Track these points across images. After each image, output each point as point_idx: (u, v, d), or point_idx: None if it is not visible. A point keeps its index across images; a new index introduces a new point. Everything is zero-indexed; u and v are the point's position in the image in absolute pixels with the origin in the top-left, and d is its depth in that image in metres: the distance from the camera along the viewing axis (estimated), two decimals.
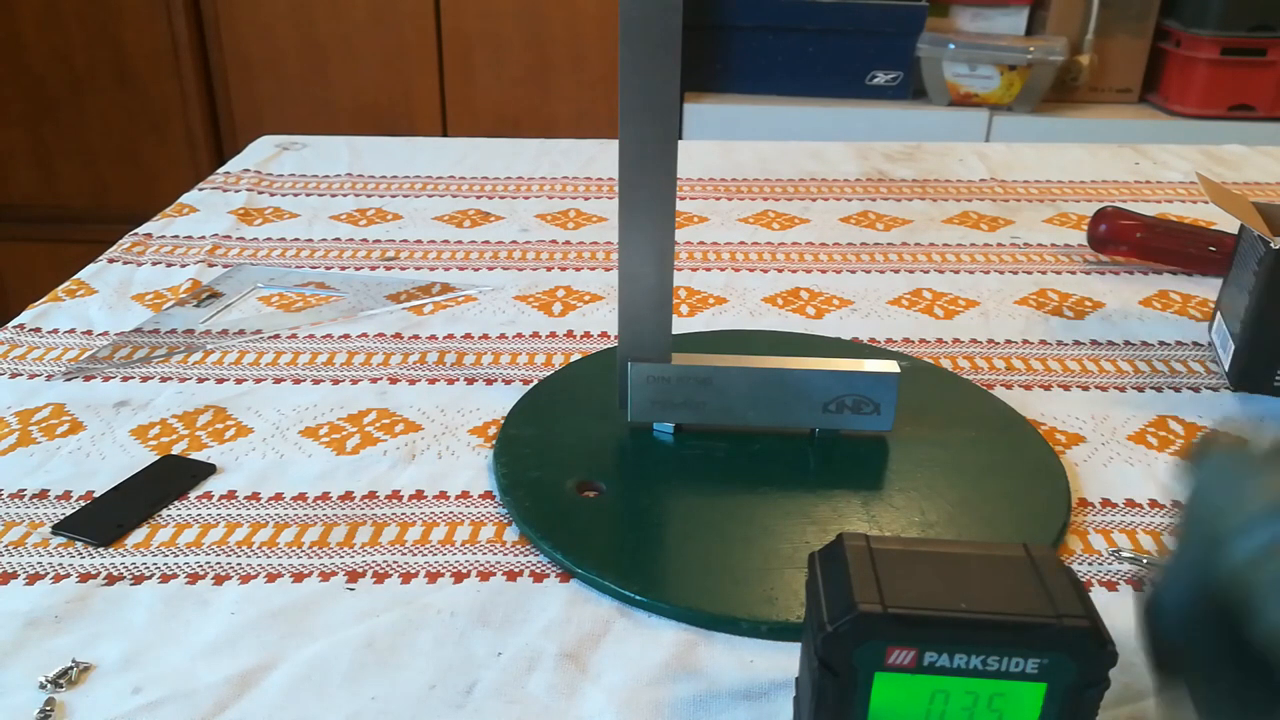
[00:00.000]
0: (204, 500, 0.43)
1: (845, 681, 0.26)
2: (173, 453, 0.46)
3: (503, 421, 0.48)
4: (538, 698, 0.33)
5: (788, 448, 0.46)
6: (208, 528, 0.41)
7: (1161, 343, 0.59)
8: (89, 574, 0.38)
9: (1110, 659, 0.25)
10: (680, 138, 0.62)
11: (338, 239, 0.72)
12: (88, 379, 0.52)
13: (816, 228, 0.76)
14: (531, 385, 0.52)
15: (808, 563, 0.28)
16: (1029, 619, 0.25)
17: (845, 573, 0.26)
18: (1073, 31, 1.76)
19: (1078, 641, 0.25)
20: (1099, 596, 0.38)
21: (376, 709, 0.32)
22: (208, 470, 0.44)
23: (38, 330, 0.57)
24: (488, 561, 0.39)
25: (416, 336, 0.57)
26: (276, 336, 0.57)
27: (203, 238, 0.71)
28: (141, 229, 0.72)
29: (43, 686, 0.33)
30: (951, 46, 1.70)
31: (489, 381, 0.53)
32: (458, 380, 0.53)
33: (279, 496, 0.43)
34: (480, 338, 0.57)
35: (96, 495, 0.43)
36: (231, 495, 0.43)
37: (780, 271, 0.68)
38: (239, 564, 0.39)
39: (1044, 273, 0.68)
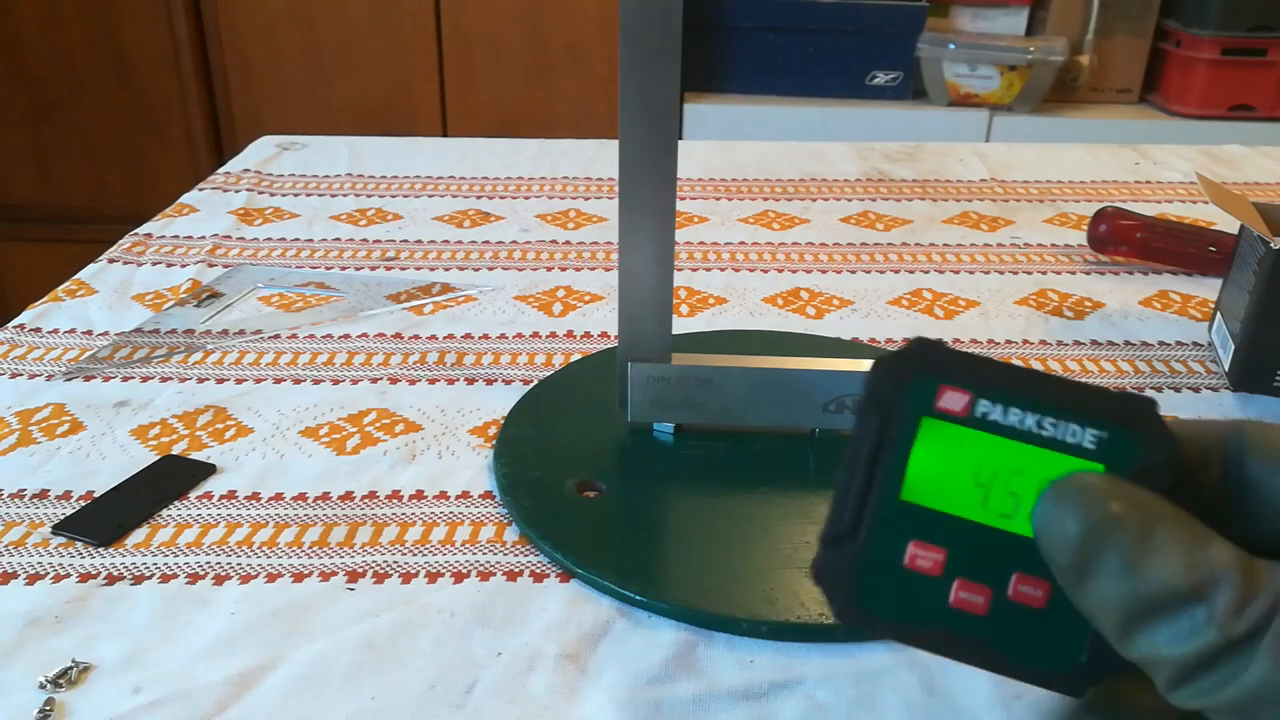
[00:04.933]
0: (204, 500, 0.43)
1: (890, 422, 0.23)
2: (173, 453, 0.46)
3: (503, 421, 0.48)
4: (537, 698, 0.33)
5: (788, 448, 0.46)
6: (208, 528, 0.41)
7: (1161, 343, 0.59)
8: (89, 574, 0.38)
9: (1173, 443, 0.22)
10: (680, 138, 0.62)
11: (338, 239, 0.72)
12: (88, 379, 0.52)
13: (816, 228, 0.76)
14: (531, 385, 0.52)
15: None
16: (1092, 385, 0.23)
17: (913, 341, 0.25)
18: (1073, 31, 1.76)
19: (1137, 412, 0.23)
20: None
21: (376, 709, 0.32)
22: (208, 470, 0.44)
23: (38, 330, 0.57)
24: (488, 561, 0.39)
25: (416, 336, 0.57)
26: (276, 336, 0.57)
27: (203, 238, 0.71)
28: (141, 229, 0.72)
29: (42, 686, 0.33)
30: (951, 46, 1.70)
31: (489, 381, 0.53)
32: (458, 380, 0.53)
33: (279, 496, 0.43)
34: (480, 338, 0.57)
35: (96, 495, 0.43)
36: (231, 495, 0.43)
37: (780, 271, 0.68)
38: (239, 564, 0.39)
39: (1044, 273, 0.68)
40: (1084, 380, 0.23)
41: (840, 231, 0.75)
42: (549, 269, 0.67)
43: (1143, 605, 0.20)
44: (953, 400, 0.23)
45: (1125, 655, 0.21)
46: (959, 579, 0.23)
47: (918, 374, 0.24)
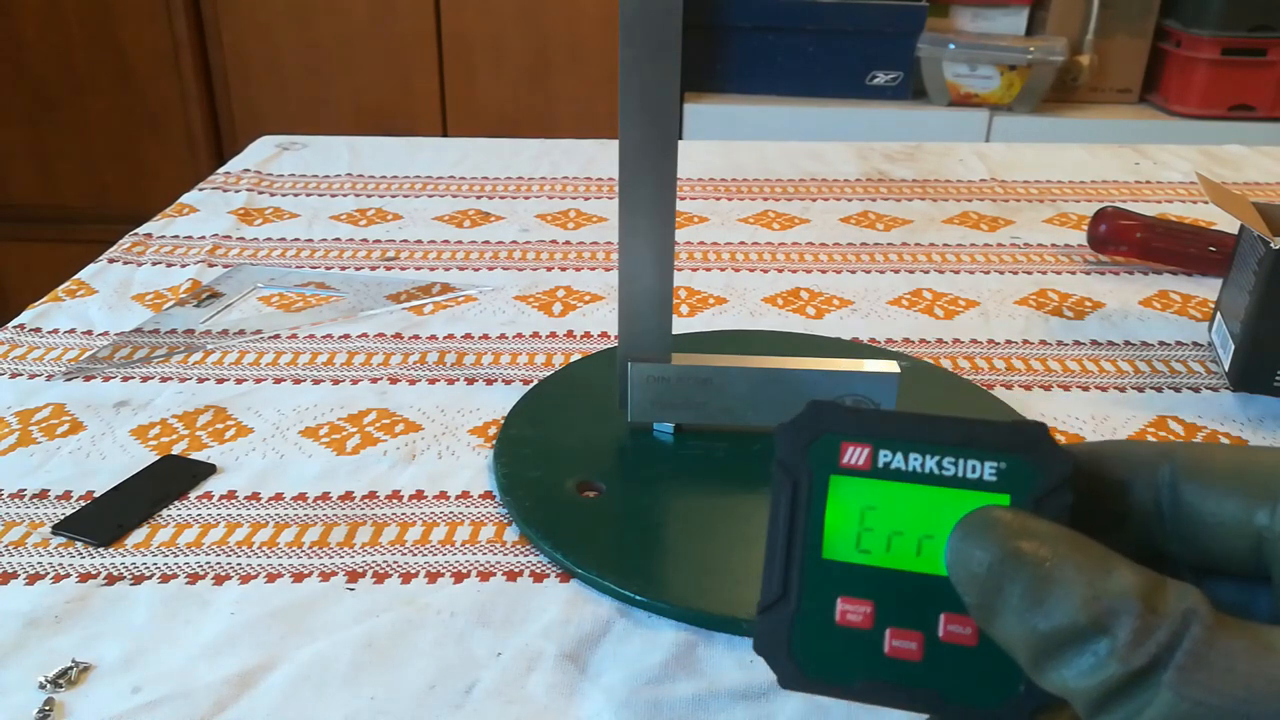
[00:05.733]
0: (204, 500, 0.43)
1: (801, 484, 0.25)
2: (173, 453, 0.46)
3: (503, 421, 0.48)
4: (537, 698, 0.33)
5: None
6: (208, 528, 0.41)
7: (1161, 343, 0.59)
8: (89, 574, 0.38)
9: (1069, 459, 0.23)
10: (680, 138, 0.62)
11: (338, 239, 0.72)
12: (88, 379, 0.52)
13: (816, 228, 0.76)
14: (531, 385, 0.52)
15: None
16: (978, 419, 0.24)
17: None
18: (1073, 31, 1.76)
19: (1032, 438, 0.24)
20: None
21: (376, 709, 0.32)
22: (208, 470, 0.44)
23: (38, 330, 0.57)
24: (488, 561, 0.39)
25: (416, 336, 0.57)
26: (276, 336, 0.57)
27: (203, 238, 0.71)
28: (141, 229, 0.72)
29: (42, 686, 0.33)
30: (951, 46, 1.70)
31: (489, 381, 0.53)
32: (458, 380, 0.53)
33: (279, 496, 0.43)
34: (480, 338, 0.57)
35: (96, 495, 0.43)
36: (231, 495, 0.43)
37: (780, 271, 0.68)
38: (239, 564, 0.39)
39: (1044, 273, 0.68)
40: (978, 421, 0.24)
41: (840, 231, 0.75)
42: (549, 269, 0.67)
43: (1047, 641, 0.20)
44: (855, 455, 0.24)
45: (1042, 687, 0.21)
46: (890, 628, 0.24)
47: (818, 435, 0.24)
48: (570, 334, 0.58)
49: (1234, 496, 0.23)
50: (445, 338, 0.57)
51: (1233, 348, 0.53)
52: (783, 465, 0.25)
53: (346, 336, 0.57)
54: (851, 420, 0.24)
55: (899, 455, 0.24)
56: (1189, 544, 0.24)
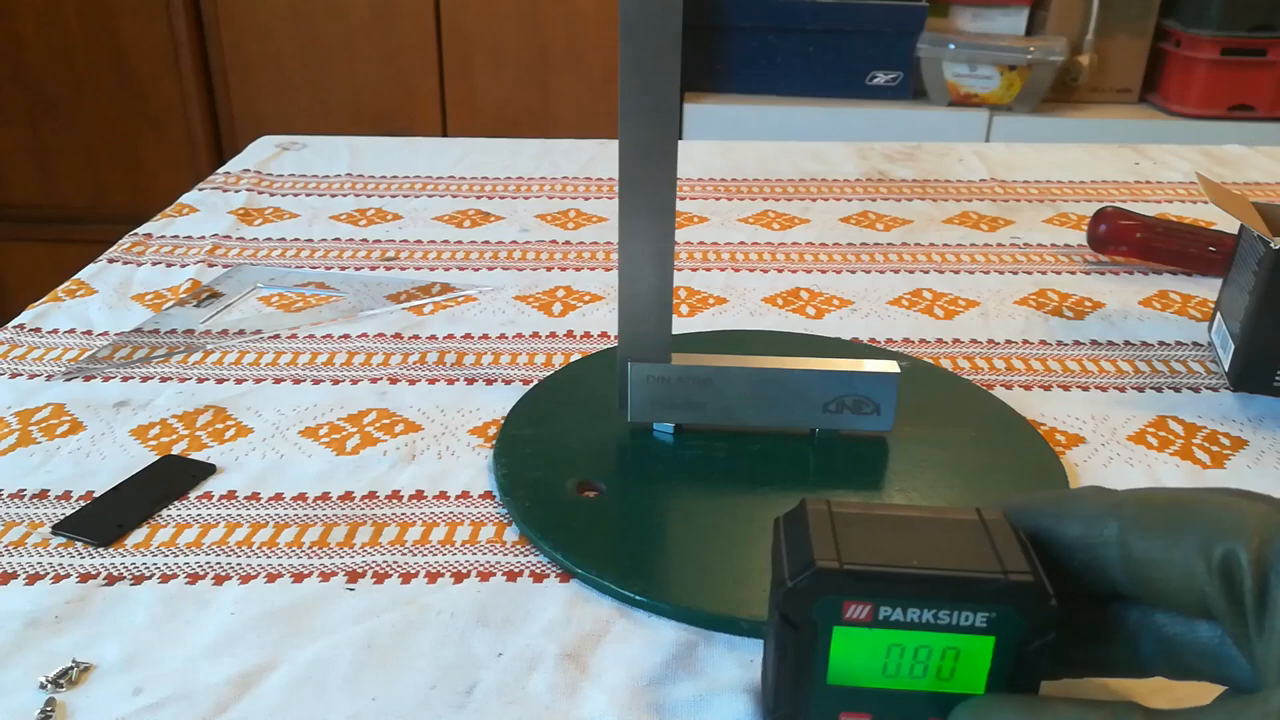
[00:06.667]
0: (204, 500, 0.43)
1: (805, 635, 0.27)
2: (173, 453, 0.46)
3: (503, 421, 0.48)
4: (538, 698, 0.33)
5: (788, 448, 0.46)
6: (208, 528, 0.41)
7: (1161, 343, 0.59)
8: (89, 574, 0.38)
9: (1054, 613, 0.26)
10: (680, 138, 0.62)
11: (338, 239, 0.72)
12: (88, 379, 0.52)
13: (816, 228, 0.76)
14: (531, 385, 0.52)
15: (773, 527, 0.30)
16: (976, 574, 0.26)
17: (806, 533, 0.28)
18: (1073, 31, 1.76)
19: (1022, 595, 0.26)
20: None
21: (377, 709, 0.32)
22: (208, 470, 0.44)
23: (38, 330, 0.57)
24: (488, 561, 0.39)
25: (416, 336, 0.57)
26: (276, 336, 0.57)
27: (203, 238, 0.71)
28: (141, 229, 0.72)
29: (43, 687, 0.33)
30: (951, 46, 1.70)
31: (489, 381, 0.53)
32: (458, 380, 0.53)
33: (279, 496, 0.43)
34: (480, 338, 0.57)
35: (96, 495, 0.43)
36: (231, 495, 0.43)
37: (780, 271, 0.68)
38: (239, 564, 0.39)
39: (1044, 273, 0.68)
40: (976, 566, 0.27)
41: (840, 231, 0.75)
42: (549, 269, 0.67)
43: None
44: (857, 612, 0.27)
45: None
46: None
47: (821, 596, 0.27)
48: (570, 334, 0.58)
49: (1177, 549, 0.25)
50: (445, 338, 0.57)
51: (1233, 348, 0.53)
52: (786, 620, 0.27)
53: (346, 336, 0.57)
54: (854, 583, 0.27)
55: (898, 610, 0.27)
56: (1145, 591, 0.26)
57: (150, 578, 0.38)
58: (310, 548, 0.40)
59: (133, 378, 0.52)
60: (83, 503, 0.42)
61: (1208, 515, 0.25)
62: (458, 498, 0.43)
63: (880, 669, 0.27)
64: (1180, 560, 0.25)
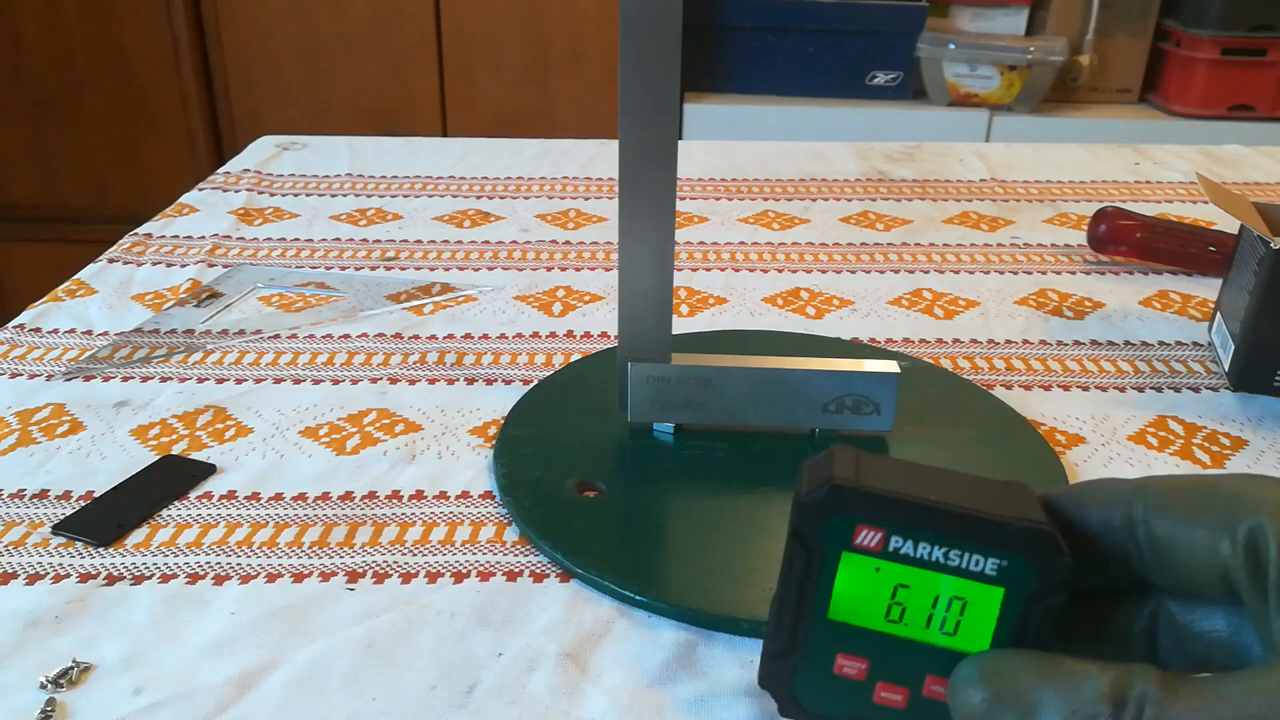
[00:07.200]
0: (204, 500, 0.43)
1: (814, 555, 0.27)
2: (173, 453, 0.46)
3: (503, 421, 0.48)
4: (539, 698, 0.33)
5: (788, 448, 0.46)
6: (208, 528, 0.41)
7: (1161, 343, 0.59)
8: (89, 574, 0.38)
9: (1067, 568, 0.26)
10: (680, 138, 0.62)
11: (338, 239, 0.72)
12: (88, 379, 0.52)
13: (816, 228, 0.76)
14: (531, 385, 0.52)
15: (799, 470, 0.29)
16: (992, 516, 0.26)
17: (830, 462, 0.28)
18: (1073, 31, 1.76)
19: (1035, 543, 0.26)
20: None
21: (377, 709, 0.32)
22: (208, 470, 0.44)
23: (38, 330, 0.57)
24: (488, 561, 0.39)
25: (416, 336, 0.57)
26: (276, 336, 0.57)
27: (203, 238, 0.71)
28: (141, 229, 0.72)
29: (43, 687, 0.33)
30: (951, 46, 1.70)
31: (489, 381, 0.53)
32: (458, 380, 0.53)
33: (279, 496, 0.43)
34: (480, 338, 0.57)
35: (96, 495, 0.43)
36: (231, 495, 0.43)
37: (780, 271, 0.68)
38: (239, 564, 0.39)
39: (1044, 273, 0.68)
40: (999, 500, 0.27)
41: (840, 231, 0.75)
42: (549, 269, 0.67)
43: None
44: (868, 537, 0.26)
45: None
46: (880, 682, 0.27)
47: (835, 515, 0.26)
48: (570, 334, 0.58)
49: (1200, 528, 0.25)
50: (445, 338, 0.57)
51: (1233, 348, 0.53)
52: (798, 536, 0.27)
53: (346, 336, 0.57)
54: (869, 505, 0.26)
55: (909, 542, 0.26)
56: (1166, 573, 0.26)
57: (150, 578, 0.38)
58: (310, 548, 0.40)
59: (133, 378, 0.52)
60: (83, 503, 0.42)
61: (1231, 494, 0.25)
62: (458, 498, 0.43)
63: (884, 611, 0.27)
64: (1204, 538, 0.25)
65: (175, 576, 0.38)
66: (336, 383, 0.52)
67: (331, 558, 0.39)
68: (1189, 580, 0.26)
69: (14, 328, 0.58)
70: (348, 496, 0.43)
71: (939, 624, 0.27)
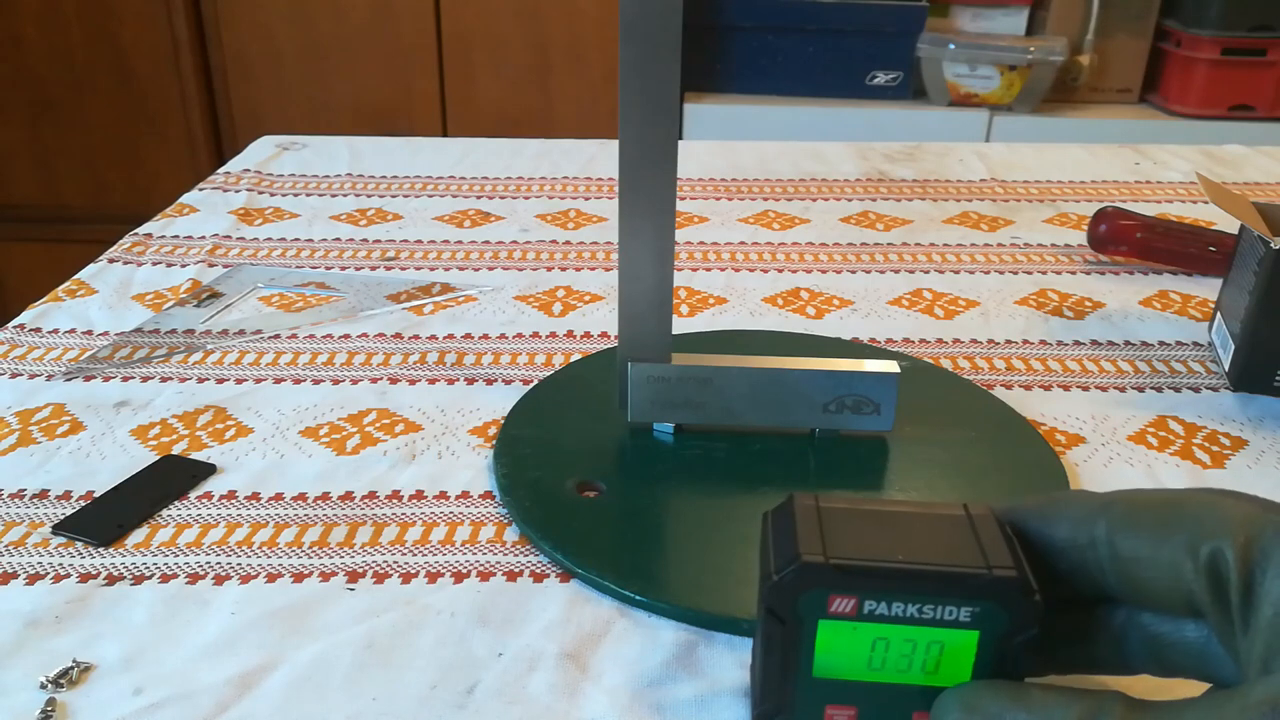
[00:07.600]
0: (204, 500, 0.43)
1: (791, 628, 0.27)
2: (173, 453, 0.46)
3: (503, 421, 0.48)
4: (539, 698, 0.33)
5: (788, 448, 0.46)
6: (208, 528, 0.41)
7: (1161, 343, 0.59)
8: (89, 574, 0.38)
9: (1036, 608, 0.26)
10: (680, 138, 0.62)
11: (338, 239, 0.72)
12: (88, 379, 0.52)
13: (816, 228, 0.76)
14: (531, 385, 0.52)
15: (761, 521, 0.30)
16: (961, 569, 0.26)
17: (793, 527, 0.28)
18: (1073, 31, 1.76)
19: (1006, 590, 0.26)
20: None
21: (377, 709, 0.32)
22: (208, 470, 0.44)
23: (38, 330, 0.57)
24: (488, 561, 0.39)
25: (416, 336, 0.57)
26: (276, 336, 0.57)
27: (203, 238, 0.71)
28: (141, 229, 0.72)
29: (43, 686, 0.33)
30: (951, 46, 1.70)
31: (489, 381, 0.53)
32: (458, 380, 0.53)
33: (279, 496, 0.43)
34: (480, 338, 0.57)
35: (96, 495, 0.43)
36: (231, 495, 0.43)
37: (780, 271, 0.68)
38: (239, 564, 0.39)
39: (1044, 273, 0.68)
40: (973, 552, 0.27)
41: (840, 231, 0.75)
42: (549, 269, 0.67)
43: None
44: (842, 605, 0.27)
45: None
46: None
47: (806, 590, 0.27)
48: (570, 334, 0.58)
49: (1163, 549, 0.26)
50: (445, 338, 0.57)
51: (1233, 348, 0.53)
52: (772, 614, 0.27)
53: (346, 336, 0.57)
54: (839, 578, 0.27)
55: (883, 604, 0.27)
56: (1131, 591, 0.27)
57: (150, 578, 0.38)
58: (310, 548, 0.40)
59: (133, 378, 0.52)
60: (83, 503, 0.42)
61: (1194, 515, 0.26)
62: (458, 498, 0.43)
63: (865, 662, 0.28)
64: (1168, 559, 0.25)
65: (175, 576, 0.38)
66: (337, 383, 0.52)
67: (331, 558, 0.39)
68: (1154, 599, 0.26)
69: (14, 328, 0.58)
70: (348, 496, 0.43)
71: (920, 667, 0.27)
